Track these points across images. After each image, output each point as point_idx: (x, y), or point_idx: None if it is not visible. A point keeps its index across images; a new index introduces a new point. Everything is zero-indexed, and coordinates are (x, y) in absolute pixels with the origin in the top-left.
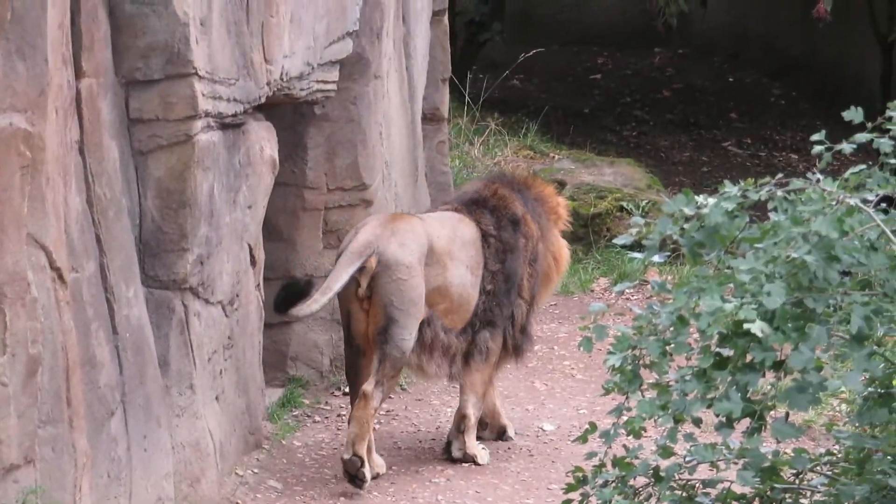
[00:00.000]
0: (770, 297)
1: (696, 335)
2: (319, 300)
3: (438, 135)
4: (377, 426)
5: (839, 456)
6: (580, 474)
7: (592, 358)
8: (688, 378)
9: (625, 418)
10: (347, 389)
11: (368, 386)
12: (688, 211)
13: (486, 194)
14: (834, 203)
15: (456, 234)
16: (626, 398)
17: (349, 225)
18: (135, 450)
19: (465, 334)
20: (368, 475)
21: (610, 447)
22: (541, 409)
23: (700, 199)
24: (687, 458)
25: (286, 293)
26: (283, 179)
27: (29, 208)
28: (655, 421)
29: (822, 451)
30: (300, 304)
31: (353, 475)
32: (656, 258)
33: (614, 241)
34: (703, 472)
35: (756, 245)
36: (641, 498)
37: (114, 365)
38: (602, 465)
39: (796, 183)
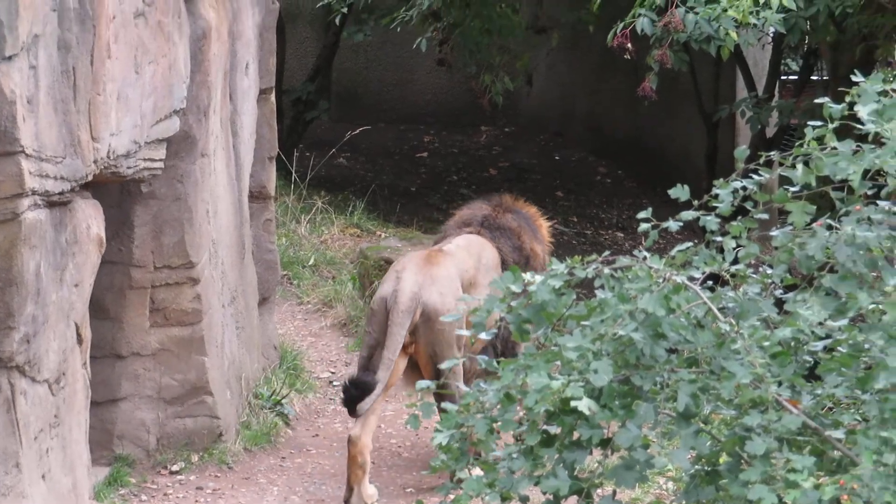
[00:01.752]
0: (597, 374)
1: (523, 412)
2: (383, 377)
3: (265, 213)
4: None
5: None
6: None
7: (419, 436)
8: (515, 455)
9: (452, 496)
10: (174, 467)
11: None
12: (515, 288)
13: (499, 217)
14: (661, 280)
15: (481, 262)
16: (453, 476)
17: (176, 304)
18: None
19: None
20: None
21: None
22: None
23: (527, 276)
24: None
25: (354, 391)
26: (109, 257)
27: None
28: (483, 499)
29: None
30: (367, 397)
31: None
32: (484, 335)
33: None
34: None
35: (583, 322)
36: None
37: None
38: None
39: (623, 260)
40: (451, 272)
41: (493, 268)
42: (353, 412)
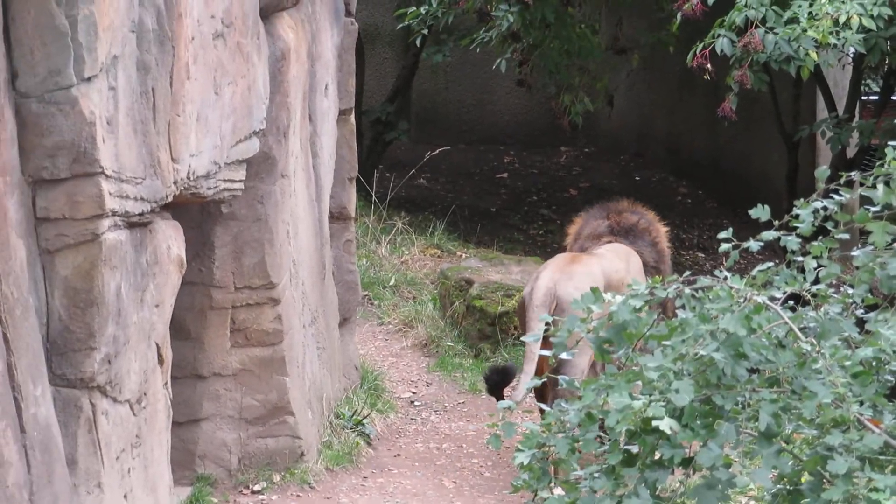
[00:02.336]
0: (678, 394)
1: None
2: (528, 370)
3: (345, 233)
4: None
5: None
6: None
7: (501, 455)
8: (596, 475)
9: None
10: (256, 487)
11: None
12: (596, 308)
13: (623, 221)
14: (741, 301)
15: (630, 265)
16: (535, 495)
17: (256, 324)
18: None
19: None
20: None
21: None
22: None
23: (608, 296)
24: None
25: (495, 377)
26: (190, 278)
27: None
28: None
29: None
30: (515, 386)
31: None
32: (564, 356)
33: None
34: None
35: (664, 342)
36: None
37: (22, 464)
38: None
39: (703, 281)
40: (594, 270)
41: (638, 272)
42: (499, 396)
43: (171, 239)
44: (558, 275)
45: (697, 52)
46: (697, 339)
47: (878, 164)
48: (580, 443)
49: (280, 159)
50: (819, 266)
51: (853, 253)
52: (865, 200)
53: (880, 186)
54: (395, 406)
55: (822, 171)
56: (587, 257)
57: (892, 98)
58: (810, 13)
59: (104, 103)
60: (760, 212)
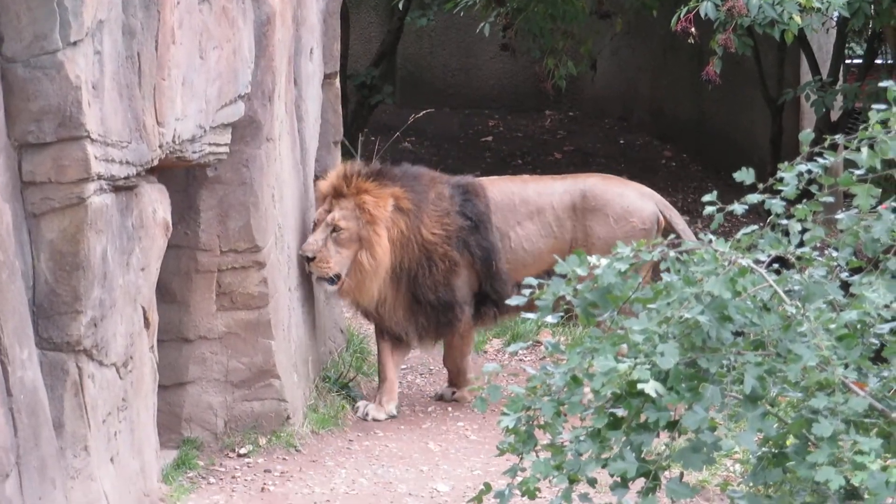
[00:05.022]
0: (663, 357)
1: (590, 395)
2: None
3: None
4: (271, 488)
5: None
6: None
7: (486, 419)
8: (582, 438)
9: (519, 479)
10: (242, 450)
11: None
12: (580, 271)
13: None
14: (726, 264)
15: None
16: (521, 459)
17: (242, 287)
18: None
19: None
20: None
21: None
22: (435, 470)
23: (593, 259)
24: None
25: None
26: (175, 242)
27: None
28: (550, 481)
29: None
30: None
31: None
32: (549, 319)
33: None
34: None
35: (649, 305)
36: None
37: (8, 427)
38: None
39: (688, 244)
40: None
41: None
42: None
43: (156, 202)
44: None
45: (682, 15)
46: (682, 302)
47: (861, 127)
48: (565, 406)
49: (265, 123)
50: (804, 229)
51: (837, 216)
52: (850, 164)
53: (864, 149)
54: None
55: (807, 134)
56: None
57: (876, 61)
58: None
59: (90, 68)
60: (745, 175)
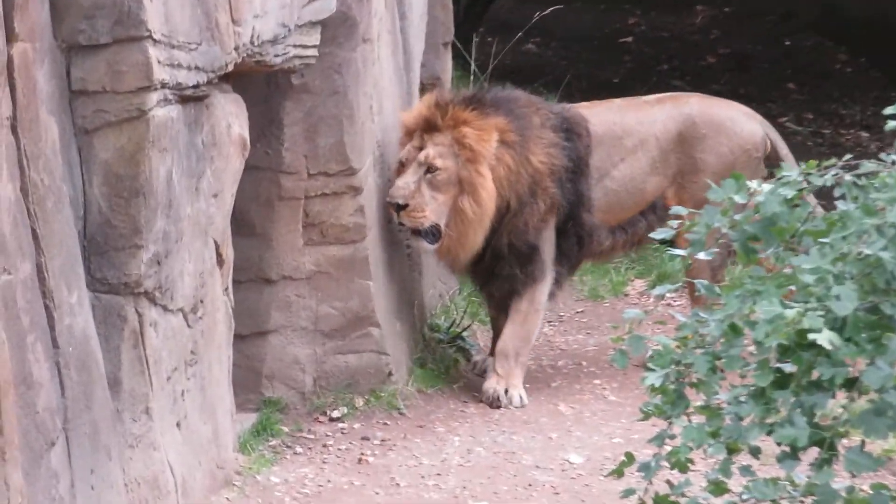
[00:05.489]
0: (839, 301)
1: (751, 347)
2: None
3: None
4: (370, 458)
5: None
6: None
7: (628, 376)
8: (743, 399)
9: (668, 448)
10: (335, 413)
11: None
12: (739, 199)
13: None
14: None
15: None
16: (669, 424)
17: (334, 217)
18: (80, 487)
19: None
20: None
21: (650, 483)
22: (567, 438)
23: (753, 184)
24: (743, 496)
25: None
26: (254, 163)
27: None
28: (704, 451)
29: None
30: None
31: None
32: (702, 256)
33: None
34: None
35: (821, 240)
36: None
37: (54, 385)
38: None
39: (868, 165)
40: None
41: None
42: None
43: (231, 116)
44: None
45: None
46: (861, 236)
47: None
48: (722, 360)
49: (361, 20)
50: None
51: None
52: None
53: None
54: None
55: None
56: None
57: None
58: None
59: None
60: None
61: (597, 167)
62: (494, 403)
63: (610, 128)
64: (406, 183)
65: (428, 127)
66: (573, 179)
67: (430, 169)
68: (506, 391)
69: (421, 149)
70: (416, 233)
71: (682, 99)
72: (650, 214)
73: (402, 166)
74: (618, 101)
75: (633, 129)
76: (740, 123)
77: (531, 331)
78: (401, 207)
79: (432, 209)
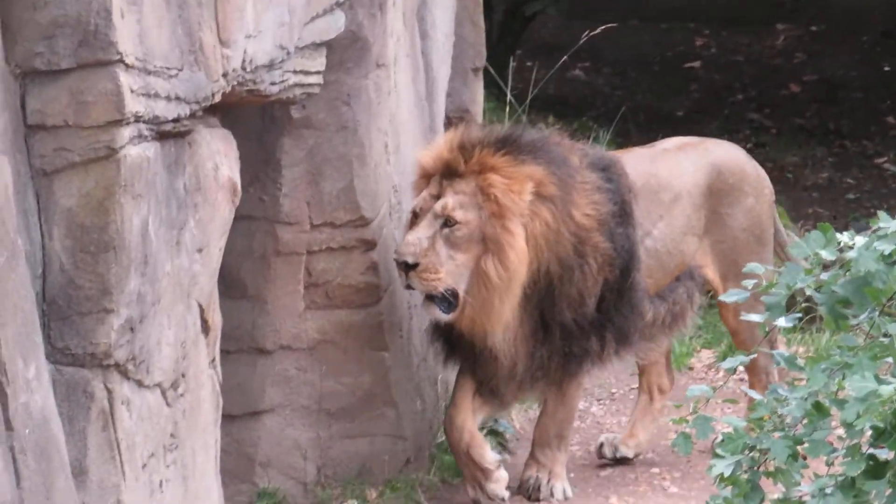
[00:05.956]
0: None
1: (839, 430)
2: None
3: None
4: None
5: None
6: None
7: (692, 463)
8: (829, 491)
9: None
10: None
11: None
12: (826, 255)
13: None
14: None
15: None
16: None
17: (342, 277)
18: None
19: None
20: None
21: None
22: None
23: (844, 237)
24: None
25: None
26: (247, 211)
27: None
28: None
29: None
30: None
31: None
32: (782, 322)
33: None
34: None
35: None
36: None
37: (8, 475)
38: None
39: None
40: None
41: None
42: None
43: (219, 155)
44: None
45: None
46: None
47: None
48: (805, 445)
49: (374, 41)
50: None
51: None
52: None
53: None
54: None
55: None
56: None
57: None
58: None
59: None
60: None
61: (639, 223)
62: (534, 496)
63: (647, 180)
64: (418, 238)
65: (448, 172)
66: (623, 224)
67: (447, 222)
68: (548, 481)
69: (438, 197)
70: (429, 298)
71: (702, 145)
72: (687, 280)
73: (415, 217)
74: (640, 149)
75: (666, 180)
76: (759, 169)
77: (574, 408)
78: (410, 267)
79: (448, 270)
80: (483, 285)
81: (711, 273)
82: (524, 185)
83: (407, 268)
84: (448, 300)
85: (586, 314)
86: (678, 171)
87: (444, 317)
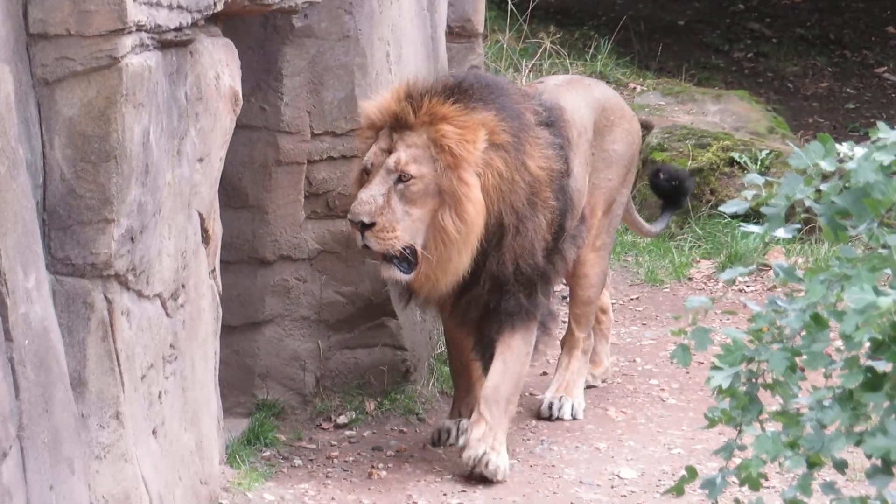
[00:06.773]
0: None
1: (838, 342)
2: None
3: (470, 56)
4: (383, 472)
5: None
6: None
7: (691, 375)
8: (827, 404)
9: (737, 461)
10: (341, 419)
11: None
12: (826, 166)
13: None
14: None
15: None
16: (739, 432)
17: (343, 186)
18: None
19: None
20: None
21: (716, 502)
22: (617, 449)
23: (844, 147)
24: None
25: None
26: (248, 121)
27: None
28: (780, 465)
29: None
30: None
31: None
32: (781, 233)
33: (721, 208)
34: None
35: None
36: None
37: (7, 385)
38: None
39: None
40: None
41: None
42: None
43: (220, 65)
44: None
45: None
46: None
47: None
48: (803, 357)
49: None
50: None
51: None
52: None
53: None
54: None
55: None
56: None
57: None
58: None
59: None
60: None
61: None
62: (477, 468)
63: (571, 112)
64: (372, 196)
65: (398, 124)
66: (562, 184)
67: (401, 177)
68: (488, 451)
69: (390, 151)
70: (387, 258)
71: (583, 83)
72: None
73: (365, 174)
74: (539, 85)
75: (572, 118)
76: (631, 110)
77: (523, 374)
78: (366, 226)
79: (405, 227)
80: (440, 240)
81: (588, 210)
82: (477, 134)
83: (363, 227)
84: (408, 259)
85: (537, 265)
86: (576, 108)
87: (405, 277)
